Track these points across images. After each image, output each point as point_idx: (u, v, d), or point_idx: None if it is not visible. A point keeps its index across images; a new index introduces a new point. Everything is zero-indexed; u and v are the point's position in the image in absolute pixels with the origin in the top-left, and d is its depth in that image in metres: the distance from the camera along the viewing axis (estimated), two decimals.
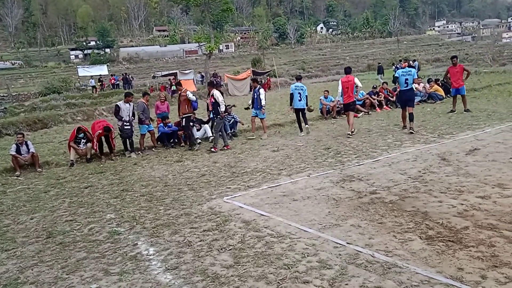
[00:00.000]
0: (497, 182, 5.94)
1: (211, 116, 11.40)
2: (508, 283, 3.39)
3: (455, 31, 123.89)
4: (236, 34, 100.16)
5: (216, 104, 10.58)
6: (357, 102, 14.76)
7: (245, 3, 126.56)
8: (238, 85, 32.04)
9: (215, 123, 10.91)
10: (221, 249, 4.55)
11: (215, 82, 13.10)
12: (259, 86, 11.89)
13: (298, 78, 12.66)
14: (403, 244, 4.27)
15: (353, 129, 10.87)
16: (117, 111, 10.70)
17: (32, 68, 72.73)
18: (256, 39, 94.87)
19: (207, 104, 11.56)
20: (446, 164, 7.22)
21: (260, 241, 4.65)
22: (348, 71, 11.32)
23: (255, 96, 11.63)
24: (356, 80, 10.91)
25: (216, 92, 10.67)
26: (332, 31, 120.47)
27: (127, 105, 10.77)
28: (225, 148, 10.51)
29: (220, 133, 10.71)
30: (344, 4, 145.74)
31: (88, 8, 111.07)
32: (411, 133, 10.15)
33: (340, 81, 11.08)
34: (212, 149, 10.36)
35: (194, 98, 11.10)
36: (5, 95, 34.09)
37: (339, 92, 11.12)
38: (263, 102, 11.47)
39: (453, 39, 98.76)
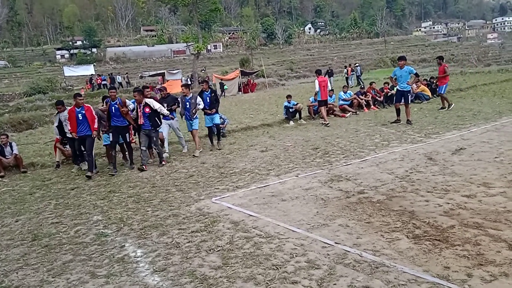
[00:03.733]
0: (482, 181, 6.03)
1: (147, 127, 9.12)
2: (494, 281, 3.44)
3: (441, 32, 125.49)
4: (224, 34, 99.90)
5: (154, 113, 9.13)
6: (344, 103, 14.93)
7: (233, 3, 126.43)
8: (227, 86, 32.00)
9: (153, 136, 9.18)
10: (210, 250, 4.53)
11: (202, 81, 12.83)
12: (191, 93, 10.39)
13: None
14: (390, 244, 4.30)
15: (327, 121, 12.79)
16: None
17: (17, 68, 71.64)
18: (244, 39, 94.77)
19: (137, 116, 9.22)
20: (432, 163, 7.30)
21: (249, 242, 4.64)
22: (320, 72, 13.60)
23: (187, 105, 10.09)
24: (329, 83, 12.82)
25: (149, 100, 9.18)
26: (320, 31, 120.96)
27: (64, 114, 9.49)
28: (163, 163, 9.30)
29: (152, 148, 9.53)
30: (332, 4, 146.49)
31: (74, 7, 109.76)
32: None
33: (317, 81, 12.80)
34: (163, 162, 9.35)
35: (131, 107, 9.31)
36: None
37: (317, 90, 12.72)
38: (200, 106, 10.10)
39: (439, 39, 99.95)
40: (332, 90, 15.53)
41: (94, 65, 51.15)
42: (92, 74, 41.08)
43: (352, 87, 21.98)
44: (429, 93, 16.78)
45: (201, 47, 37.27)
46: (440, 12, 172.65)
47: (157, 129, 9.31)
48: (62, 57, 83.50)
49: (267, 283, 3.72)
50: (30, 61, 78.92)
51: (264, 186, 6.85)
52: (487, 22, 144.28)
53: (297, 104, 13.94)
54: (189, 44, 42.68)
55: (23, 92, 34.66)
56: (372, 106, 15.54)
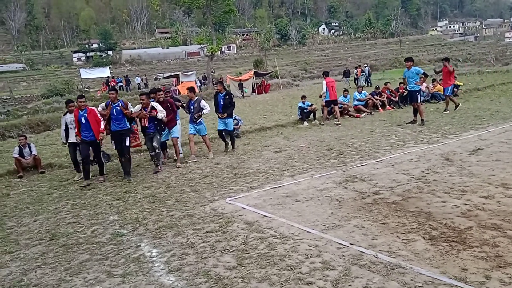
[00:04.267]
0: (501, 182, 5.92)
1: (151, 131, 8.83)
2: None
3: (457, 31, 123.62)
4: (238, 35, 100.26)
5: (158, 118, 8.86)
6: (359, 103, 14.82)
7: (247, 4, 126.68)
8: (246, 88, 32.05)
9: (156, 135, 8.89)
10: (224, 250, 4.54)
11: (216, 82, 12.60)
12: (197, 97, 9.97)
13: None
14: (406, 245, 4.25)
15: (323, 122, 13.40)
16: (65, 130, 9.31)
17: (35, 70, 72.99)
18: (258, 40, 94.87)
19: (141, 121, 8.93)
20: (449, 164, 7.20)
21: (263, 242, 4.64)
22: (327, 74, 14.13)
23: (192, 109, 9.75)
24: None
25: (155, 104, 8.91)
26: (334, 32, 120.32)
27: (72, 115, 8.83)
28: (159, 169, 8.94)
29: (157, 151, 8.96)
30: (346, 5, 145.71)
31: (90, 11, 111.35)
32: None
33: (325, 81, 13.19)
34: (160, 168, 9.01)
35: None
36: (8, 98, 34.29)
37: (325, 91, 13.05)
38: (204, 111, 9.62)
39: (456, 39, 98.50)
40: (347, 90, 15.50)
41: (110, 68, 51.82)
42: (108, 76, 41.76)
43: (363, 87, 22.12)
44: None
45: (215, 49, 37.45)
46: (457, 11, 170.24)
47: (162, 132, 9.08)
48: (78, 59, 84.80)
49: (281, 283, 3.71)
50: (48, 64, 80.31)
51: (278, 187, 6.84)
52: (505, 21, 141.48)
53: (311, 105, 13.89)
54: (203, 46, 42.85)
55: (40, 95, 35.37)
56: (387, 107, 15.41)
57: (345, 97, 14.84)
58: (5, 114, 24.03)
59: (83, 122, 8.26)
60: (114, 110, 8.45)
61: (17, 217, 6.67)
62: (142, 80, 41.51)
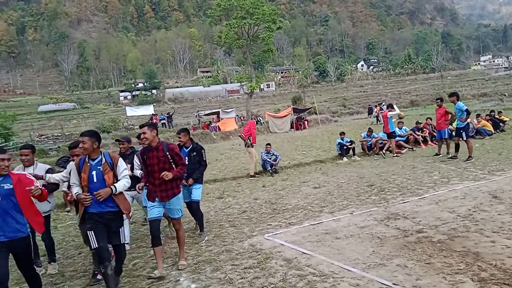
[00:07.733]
0: None
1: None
2: None
3: (502, 65, 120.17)
4: (277, 73, 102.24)
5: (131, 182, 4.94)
6: (400, 139, 14.55)
7: (286, 43, 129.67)
8: (279, 123, 32.36)
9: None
10: (263, 287, 4.49)
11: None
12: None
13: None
14: (453, 286, 4.05)
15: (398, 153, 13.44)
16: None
17: (84, 109, 77.21)
18: (297, 77, 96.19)
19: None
20: (498, 202, 6.86)
21: (302, 280, 4.55)
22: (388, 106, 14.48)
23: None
24: (389, 113, 13.43)
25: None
26: (373, 68, 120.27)
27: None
28: None
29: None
30: (385, 41, 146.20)
31: (137, 52, 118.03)
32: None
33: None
34: None
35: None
36: (59, 134, 36.19)
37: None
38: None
39: (501, 73, 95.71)
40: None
41: (153, 105, 53.87)
42: (152, 114, 43.39)
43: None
44: (491, 128, 15.96)
45: (255, 87, 38.28)
46: (500, 45, 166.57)
47: (127, 214, 4.91)
48: (125, 98, 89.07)
49: None
50: (96, 103, 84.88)
51: (317, 223, 6.74)
52: None
53: (351, 141, 13.79)
54: (243, 83, 43.96)
55: None
56: (430, 142, 15.00)
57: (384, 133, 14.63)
58: (55, 150, 25.35)
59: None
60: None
61: (63, 249, 6.92)
62: (196, 117, 42.61)
